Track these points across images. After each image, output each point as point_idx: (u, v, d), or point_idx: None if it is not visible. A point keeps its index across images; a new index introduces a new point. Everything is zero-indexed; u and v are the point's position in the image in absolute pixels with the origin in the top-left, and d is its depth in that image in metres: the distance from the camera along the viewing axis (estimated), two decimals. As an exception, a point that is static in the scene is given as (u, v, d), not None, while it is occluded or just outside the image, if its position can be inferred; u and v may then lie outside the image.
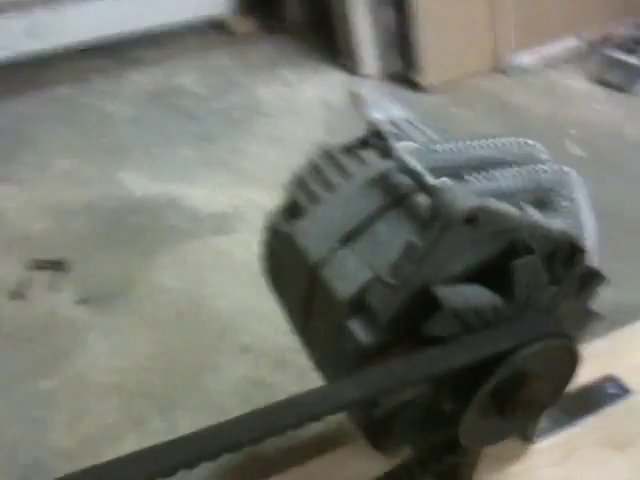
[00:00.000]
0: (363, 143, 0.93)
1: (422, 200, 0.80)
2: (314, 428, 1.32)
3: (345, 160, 0.91)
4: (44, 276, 1.62)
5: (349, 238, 0.82)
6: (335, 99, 2.47)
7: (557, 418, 1.10)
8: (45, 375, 1.41)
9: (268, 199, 1.92)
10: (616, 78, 2.54)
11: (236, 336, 1.52)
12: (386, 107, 2.36)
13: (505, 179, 0.80)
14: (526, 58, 2.67)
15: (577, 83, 2.61)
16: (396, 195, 0.82)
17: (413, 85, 2.50)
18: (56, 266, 1.63)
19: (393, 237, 0.79)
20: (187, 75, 2.54)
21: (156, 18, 2.67)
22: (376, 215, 0.82)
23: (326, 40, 2.74)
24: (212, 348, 1.49)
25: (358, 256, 0.80)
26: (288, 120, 2.35)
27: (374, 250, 0.80)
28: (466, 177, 0.78)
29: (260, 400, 1.28)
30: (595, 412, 1.13)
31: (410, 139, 0.90)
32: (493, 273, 0.77)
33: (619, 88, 2.55)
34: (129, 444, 1.28)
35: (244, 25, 2.87)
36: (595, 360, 1.18)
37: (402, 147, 0.81)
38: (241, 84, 2.52)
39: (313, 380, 1.45)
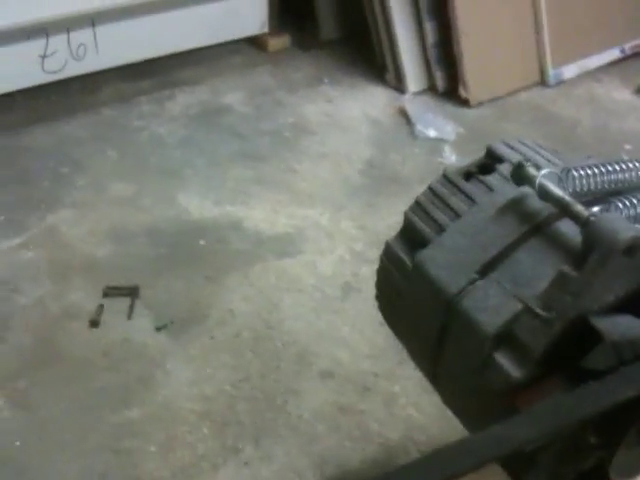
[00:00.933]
0: (484, 168, 0.91)
1: (565, 228, 0.78)
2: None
3: (468, 186, 0.90)
4: (118, 303, 1.61)
5: (487, 268, 0.81)
6: (381, 115, 2.46)
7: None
8: (132, 404, 1.40)
9: (326, 217, 1.96)
10: (661, 88, 2.52)
11: (315, 361, 1.51)
12: (434, 123, 2.35)
13: (646, 205, 0.78)
14: (569, 71, 2.65)
15: (620, 94, 2.60)
16: (533, 223, 0.81)
17: (459, 100, 2.48)
18: (130, 293, 1.62)
19: (538, 267, 0.77)
20: (231, 94, 2.53)
21: (196, 37, 2.67)
22: (514, 244, 0.80)
23: (363, 55, 2.74)
24: (293, 373, 1.48)
25: (501, 287, 0.78)
26: (335, 137, 2.35)
27: (518, 280, 0.78)
28: (612, 204, 0.76)
29: (350, 427, 1.26)
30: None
31: (534, 163, 0.89)
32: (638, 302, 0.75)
33: (664, 98, 2.53)
34: (225, 474, 1.27)
35: (279, 42, 2.87)
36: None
37: (543, 174, 0.79)
38: (285, 102, 2.51)
39: (401, 407, 1.44)
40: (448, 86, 2.53)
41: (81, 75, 2.41)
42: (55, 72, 2.39)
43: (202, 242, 1.83)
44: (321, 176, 2.14)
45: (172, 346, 1.53)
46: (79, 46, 2.42)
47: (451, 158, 2.20)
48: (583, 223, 0.73)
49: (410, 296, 0.90)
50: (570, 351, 0.75)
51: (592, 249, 0.71)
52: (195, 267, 1.75)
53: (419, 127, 2.31)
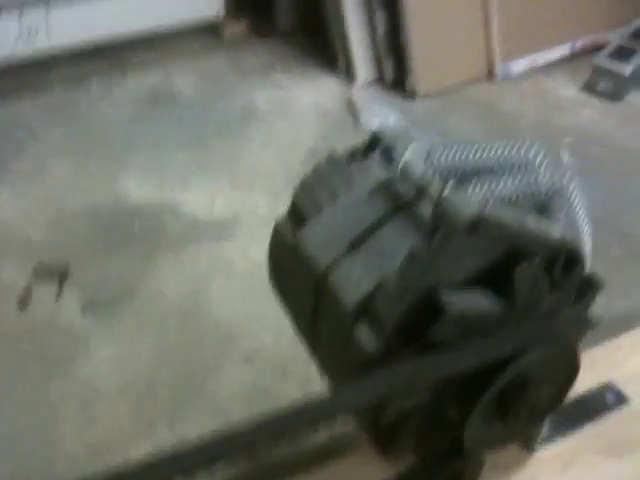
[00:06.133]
0: (366, 150, 0.95)
1: (425, 207, 0.82)
2: (321, 437, 1.34)
3: (349, 168, 0.93)
4: (49, 282, 1.64)
5: (354, 246, 0.84)
6: (329, 104, 2.49)
7: (558, 426, 1.12)
8: (53, 382, 1.43)
9: (264, 204, 1.99)
10: (606, 86, 2.57)
11: (238, 343, 1.54)
12: (379, 113, 2.39)
13: (505, 186, 0.82)
14: (518, 65, 2.70)
15: (568, 91, 2.65)
16: (399, 203, 0.85)
17: (406, 92, 2.52)
18: (60, 272, 1.65)
19: (397, 244, 0.81)
20: (183, 79, 2.55)
21: (150, 21, 2.68)
22: (380, 223, 0.84)
23: (319, 44, 2.77)
24: (216, 355, 1.51)
25: (363, 264, 0.82)
26: (282, 125, 2.38)
27: (379, 257, 0.82)
28: (469, 185, 0.80)
29: (265, 407, 1.30)
30: (595, 420, 1.15)
31: (411, 146, 0.93)
32: (495, 279, 0.79)
33: (609, 96, 2.58)
34: (138, 451, 1.30)
35: (236, 27, 2.89)
36: (594, 368, 1.21)
37: (406, 155, 0.83)
38: (236, 88, 2.54)
39: (315, 387, 1.46)
40: (397, 77, 2.56)
41: (30, 57, 2.42)
42: (6, 52, 2.40)
43: (138, 224, 1.86)
44: (263, 163, 2.17)
45: (97, 325, 1.56)
46: (31, 27, 2.43)
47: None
48: (434, 203, 0.77)
49: (292, 274, 0.94)
50: (426, 325, 0.79)
51: (438, 227, 0.75)
52: (129, 249, 1.78)
53: (363, 117, 2.34)
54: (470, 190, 0.79)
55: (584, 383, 1.20)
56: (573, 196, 0.88)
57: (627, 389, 1.20)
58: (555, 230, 0.83)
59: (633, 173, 2.22)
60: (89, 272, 1.70)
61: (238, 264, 1.77)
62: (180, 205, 1.95)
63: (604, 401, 1.18)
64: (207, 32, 2.86)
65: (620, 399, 1.19)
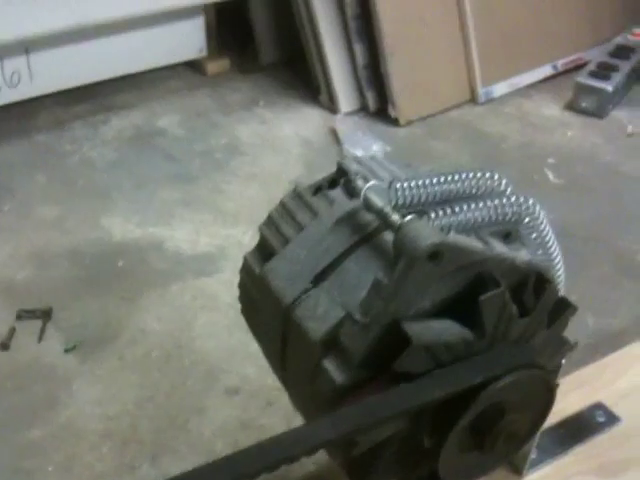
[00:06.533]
0: (331, 183, 0.95)
1: (389, 238, 0.81)
2: (304, 469, 1.31)
3: (314, 200, 0.93)
4: (31, 325, 1.62)
5: (320, 277, 0.83)
6: (312, 136, 2.50)
7: (547, 448, 1.10)
8: (34, 424, 1.41)
9: (249, 237, 1.98)
10: (589, 103, 2.58)
11: (222, 378, 1.52)
12: (363, 142, 2.39)
13: (469, 213, 0.81)
14: (500, 88, 2.71)
15: (551, 110, 2.66)
16: (364, 233, 0.84)
17: (390, 119, 2.53)
18: (42, 314, 1.64)
19: (362, 275, 0.80)
20: (166, 117, 2.56)
21: (133, 62, 2.71)
22: (345, 254, 0.83)
23: (301, 78, 2.79)
24: (199, 391, 1.49)
25: (329, 295, 0.81)
26: (267, 158, 2.38)
27: (344, 289, 0.81)
28: (430, 213, 0.79)
29: (249, 442, 1.28)
30: (585, 441, 1.13)
31: (376, 177, 0.92)
32: (463, 307, 0.78)
33: (593, 113, 2.59)
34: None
35: (217, 66, 2.91)
36: (582, 388, 1.19)
37: (368, 186, 0.82)
38: (220, 124, 2.55)
39: (300, 421, 1.45)
40: (379, 106, 2.58)
41: (13, 102, 2.43)
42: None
43: (121, 263, 1.85)
44: (248, 196, 2.17)
45: (80, 367, 1.54)
46: (13, 73, 2.45)
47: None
48: (394, 232, 0.76)
49: (260, 306, 0.93)
50: (396, 356, 0.77)
51: (400, 256, 0.74)
52: (112, 288, 1.77)
53: (347, 146, 2.35)
54: (432, 217, 0.78)
55: (574, 403, 1.18)
56: (540, 219, 0.87)
57: (617, 408, 1.18)
58: (522, 255, 0.82)
59: (620, 189, 2.23)
60: (72, 313, 1.68)
61: (223, 298, 1.76)
62: (164, 242, 1.94)
63: (594, 421, 1.16)
64: (190, 70, 2.88)
65: (610, 419, 1.17)
